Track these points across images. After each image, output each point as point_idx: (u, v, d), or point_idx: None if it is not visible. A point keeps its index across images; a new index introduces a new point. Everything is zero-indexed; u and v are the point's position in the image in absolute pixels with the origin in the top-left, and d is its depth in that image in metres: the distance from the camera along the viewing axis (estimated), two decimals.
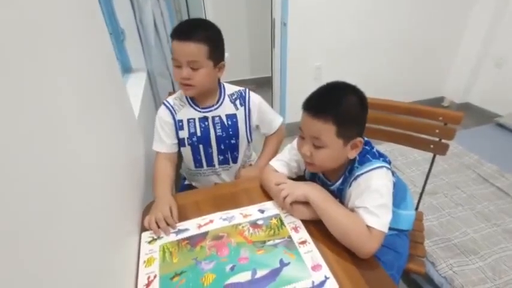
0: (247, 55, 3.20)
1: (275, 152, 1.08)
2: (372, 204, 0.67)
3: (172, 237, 0.72)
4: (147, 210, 0.82)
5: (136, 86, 1.33)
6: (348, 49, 2.29)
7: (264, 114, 1.02)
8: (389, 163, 0.76)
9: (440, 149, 1.02)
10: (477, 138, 2.01)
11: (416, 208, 1.13)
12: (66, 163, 0.42)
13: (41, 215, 0.33)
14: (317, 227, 0.71)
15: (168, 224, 0.74)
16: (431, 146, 1.04)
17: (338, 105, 0.67)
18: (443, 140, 1.01)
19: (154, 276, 0.62)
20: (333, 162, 0.74)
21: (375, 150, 0.76)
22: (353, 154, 0.72)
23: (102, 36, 0.78)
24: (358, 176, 0.72)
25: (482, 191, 1.52)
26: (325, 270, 0.62)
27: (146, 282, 0.61)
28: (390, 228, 0.86)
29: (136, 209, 0.80)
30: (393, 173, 0.77)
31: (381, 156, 0.75)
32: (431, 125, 1.02)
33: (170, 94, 1.02)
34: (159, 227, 0.73)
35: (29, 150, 0.33)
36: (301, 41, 2.12)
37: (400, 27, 2.34)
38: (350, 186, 0.74)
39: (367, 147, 0.76)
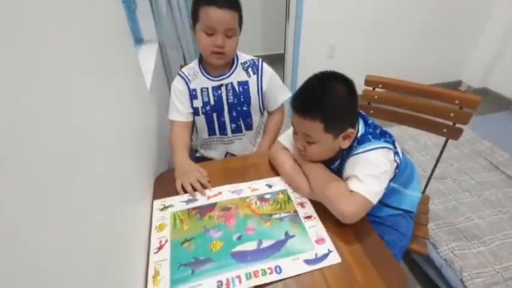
0: (259, 30, 3.10)
1: (277, 134, 1.09)
2: (361, 173, 0.67)
3: (183, 206, 0.74)
4: (160, 179, 0.85)
5: (148, 58, 1.32)
6: (364, 28, 2.19)
7: (274, 85, 1.02)
8: (393, 143, 0.75)
9: (454, 134, 1.00)
10: (492, 125, 1.96)
11: (423, 192, 1.14)
12: (83, 125, 0.44)
13: (57, 176, 0.34)
14: (323, 205, 0.73)
15: (202, 185, 0.78)
16: (445, 130, 1.02)
17: (323, 102, 0.66)
18: (457, 125, 0.99)
19: (166, 241, 0.65)
20: (326, 154, 0.75)
21: (378, 131, 0.75)
22: (346, 144, 0.72)
23: (116, 4, 0.77)
24: (356, 154, 0.72)
25: (491, 178, 1.51)
26: (329, 244, 0.64)
27: (158, 245, 0.64)
28: (395, 208, 0.88)
29: (149, 177, 0.82)
30: (397, 154, 0.76)
31: (382, 137, 0.74)
32: (446, 108, 1.00)
33: (182, 67, 1.02)
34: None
35: (47, 113, 0.34)
36: (317, 16, 2.04)
37: (420, 7, 2.22)
38: (346, 162, 0.75)
39: (370, 129, 0.75)
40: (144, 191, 0.76)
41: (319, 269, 0.59)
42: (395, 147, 0.75)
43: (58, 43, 0.40)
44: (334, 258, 0.61)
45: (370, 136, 0.72)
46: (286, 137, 0.89)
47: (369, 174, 0.67)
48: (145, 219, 0.70)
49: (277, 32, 2.94)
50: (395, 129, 1.79)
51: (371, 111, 1.16)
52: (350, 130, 0.69)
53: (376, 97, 1.16)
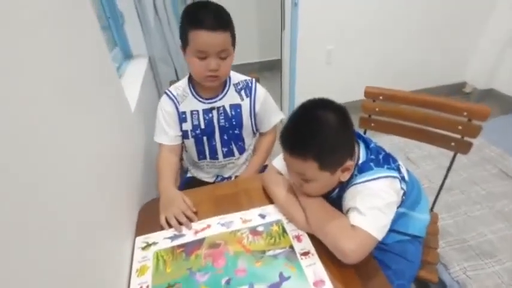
0: (255, 37, 3.05)
1: (268, 153, 1.04)
2: (363, 205, 0.60)
3: (167, 244, 0.68)
4: (145, 210, 0.79)
5: (136, 74, 1.26)
6: (362, 32, 2.13)
7: (267, 107, 0.97)
8: (398, 169, 0.68)
9: (463, 148, 0.93)
10: (501, 129, 1.87)
11: (432, 208, 1.06)
12: (54, 163, 0.38)
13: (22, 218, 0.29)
14: None
15: (188, 218, 0.72)
16: (453, 144, 0.95)
17: (314, 138, 0.59)
18: (466, 138, 0.92)
19: (147, 287, 0.59)
20: (325, 190, 0.68)
21: (381, 156, 0.68)
22: (346, 177, 0.65)
23: (90, 23, 0.71)
24: (357, 184, 0.65)
25: (503, 188, 1.42)
26: (329, 287, 0.57)
27: None
28: (401, 233, 0.80)
29: (133, 209, 0.76)
30: (403, 179, 0.69)
31: (386, 163, 0.67)
32: (453, 120, 0.92)
33: (172, 83, 0.96)
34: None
35: (16, 150, 0.30)
36: (313, 22, 1.99)
37: (420, 6, 2.15)
38: (346, 191, 0.67)
39: (372, 155, 0.68)
40: (126, 227, 0.69)
41: None
42: (400, 172, 0.68)
43: (24, 68, 0.35)
44: None
45: (372, 164, 0.65)
46: (280, 161, 0.82)
47: (372, 206, 0.60)
48: (125, 260, 0.64)
49: (273, 37, 2.89)
50: (398, 139, 1.71)
51: (372, 124, 1.10)
52: (349, 163, 0.62)
53: (377, 109, 1.09)
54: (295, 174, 0.65)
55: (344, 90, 1.95)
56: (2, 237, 0.27)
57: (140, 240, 0.69)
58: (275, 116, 0.99)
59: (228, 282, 0.59)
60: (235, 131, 0.94)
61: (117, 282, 0.58)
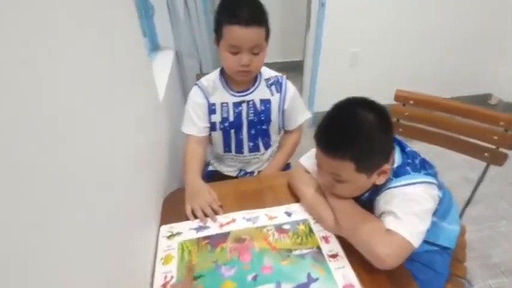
0: (278, 36, 3.03)
1: (292, 152, 1.03)
2: (400, 210, 0.58)
3: (192, 235, 0.67)
4: (170, 200, 0.79)
5: (163, 66, 1.27)
6: (389, 36, 2.08)
7: (295, 105, 0.95)
8: (435, 175, 0.66)
9: (497, 159, 0.89)
10: None
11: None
12: (94, 147, 0.39)
13: (49, 205, 0.29)
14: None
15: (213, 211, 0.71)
16: (486, 154, 0.91)
17: (353, 138, 0.57)
18: (501, 149, 0.88)
19: (171, 277, 0.58)
20: (358, 192, 0.66)
21: (417, 161, 0.66)
22: (382, 180, 0.62)
23: (130, 12, 0.71)
24: (392, 188, 0.62)
25: None
26: None
27: (163, 282, 0.57)
28: (430, 243, 0.77)
29: (158, 198, 0.76)
30: (439, 187, 0.66)
31: (423, 168, 0.64)
32: (488, 129, 0.89)
33: (198, 76, 0.96)
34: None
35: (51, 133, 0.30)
36: (340, 24, 1.95)
37: (449, 15, 2.09)
38: (379, 195, 0.65)
39: (408, 159, 0.65)
40: (151, 215, 0.69)
41: None
42: (437, 178, 0.66)
43: (62, 53, 0.35)
44: None
45: (408, 168, 0.63)
46: (308, 159, 0.80)
47: (409, 211, 0.57)
48: (151, 248, 0.64)
49: (295, 38, 2.86)
50: (418, 146, 1.66)
51: (400, 129, 1.07)
52: (386, 166, 0.60)
53: (406, 114, 1.06)
54: (327, 174, 0.63)
55: (367, 94, 1.92)
56: (40, 215, 0.26)
57: (165, 229, 0.69)
58: (302, 115, 0.98)
59: (254, 278, 0.57)
60: (263, 126, 0.93)
61: (142, 268, 0.57)
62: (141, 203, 0.64)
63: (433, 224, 0.75)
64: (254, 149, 0.96)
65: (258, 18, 0.77)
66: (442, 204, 0.75)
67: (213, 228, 0.69)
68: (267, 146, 0.98)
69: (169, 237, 0.67)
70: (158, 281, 0.58)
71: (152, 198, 0.72)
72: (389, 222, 0.58)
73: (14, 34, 0.26)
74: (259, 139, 0.95)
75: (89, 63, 0.43)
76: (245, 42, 0.76)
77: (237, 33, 0.75)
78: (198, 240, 0.66)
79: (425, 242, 0.76)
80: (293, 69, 2.94)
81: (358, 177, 0.59)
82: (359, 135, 0.56)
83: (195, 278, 0.58)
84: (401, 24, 2.06)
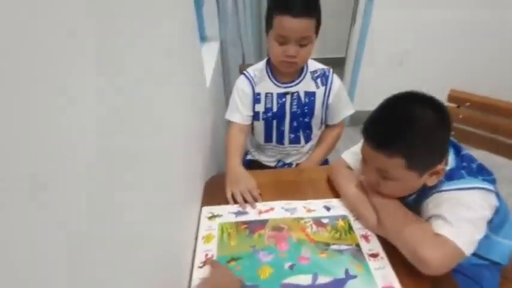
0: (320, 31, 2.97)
1: (333, 147, 1.01)
2: (452, 215, 0.54)
3: (231, 218, 0.69)
4: (210, 184, 0.82)
5: (209, 56, 1.31)
6: (443, 32, 1.92)
7: (340, 99, 0.93)
8: (494, 182, 0.61)
9: None
10: None
11: None
12: (142, 124, 0.41)
13: (109, 176, 0.30)
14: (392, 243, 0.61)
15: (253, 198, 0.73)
16: None
17: (407, 134, 0.53)
18: None
19: (212, 256, 0.61)
20: (404, 192, 0.63)
21: (475, 166, 0.61)
22: (434, 181, 0.58)
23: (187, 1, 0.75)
24: (443, 191, 0.59)
25: None
26: None
27: (204, 259, 0.60)
28: (479, 256, 0.72)
29: (200, 181, 0.79)
30: (498, 195, 0.61)
31: (480, 174, 0.60)
32: None
33: (241, 67, 0.97)
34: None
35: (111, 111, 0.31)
36: (388, 19, 1.86)
37: (510, 8, 1.88)
38: (428, 198, 0.61)
39: (464, 162, 0.61)
40: (195, 196, 0.72)
41: None
42: (495, 186, 0.61)
43: (126, 37, 0.37)
44: None
45: (463, 172, 0.59)
46: (351, 154, 0.78)
47: (463, 218, 0.54)
48: (193, 226, 0.67)
49: (338, 34, 2.78)
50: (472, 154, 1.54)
51: (452, 133, 0.99)
52: (440, 167, 0.57)
53: (460, 116, 0.99)
54: (374, 170, 0.61)
55: None
56: (103, 186, 0.28)
57: (206, 211, 0.72)
58: (346, 110, 0.95)
59: (291, 267, 0.58)
60: (305, 119, 0.92)
61: (185, 244, 0.60)
62: (186, 183, 0.67)
63: (485, 237, 0.70)
64: (295, 141, 0.96)
65: (309, 9, 0.76)
66: (498, 216, 0.69)
67: (252, 214, 0.70)
68: (307, 139, 0.97)
69: (210, 218, 0.70)
70: (199, 258, 0.60)
71: (196, 179, 0.75)
72: (439, 227, 0.54)
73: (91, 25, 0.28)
74: (301, 131, 0.95)
75: (150, 48, 0.46)
76: (293, 33, 0.76)
77: (286, 23, 0.74)
78: (237, 224, 0.68)
79: (474, 254, 0.71)
80: (334, 66, 2.86)
81: (408, 175, 0.56)
82: (414, 130, 0.53)
83: (234, 259, 0.60)
84: (457, 19, 1.89)
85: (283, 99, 0.90)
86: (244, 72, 0.92)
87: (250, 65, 0.96)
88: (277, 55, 0.80)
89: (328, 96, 0.91)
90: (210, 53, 1.34)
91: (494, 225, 0.70)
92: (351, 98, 2.17)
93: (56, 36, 0.22)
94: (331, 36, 2.95)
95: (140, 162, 0.39)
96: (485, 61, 2.06)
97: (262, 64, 0.92)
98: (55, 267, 0.21)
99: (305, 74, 0.89)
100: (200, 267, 0.59)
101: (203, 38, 1.47)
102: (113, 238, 0.30)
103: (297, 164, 1.02)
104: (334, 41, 2.91)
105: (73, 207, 0.23)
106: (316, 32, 0.81)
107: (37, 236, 0.19)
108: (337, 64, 2.45)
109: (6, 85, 0.17)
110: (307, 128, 0.95)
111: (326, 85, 0.90)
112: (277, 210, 0.71)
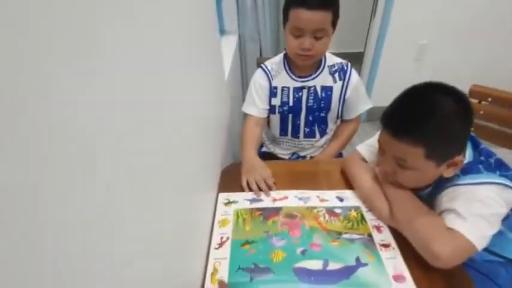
0: (338, 25, 2.92)
1: (348, 141, 1.01)
2: (466, 209, 0.54)
3: (246, 204, 0.72)
4: (227, 172, 0.85)
5: (227, 49, 1.33)
6: (463, 27, 1.85)
7: (357, 94, 0.93)
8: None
9: None
10: None
11: None
12: (166, 114, 0.43)
13: (131, 165, 0.32)
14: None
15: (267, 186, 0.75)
16: None
17: (428, 122, 0.53)
18: None
19: (227, 238, 0.64)
20: (422, 183, 0.63)
21: (493, 160, 0.60)
22: (450, 173, 0.58)
23: None
24: (459, 185, 0.58)
25: None
26: (410, 285, 0.54)
27: (219, 241, 0.63)
28: (494, 253, 0.71)
29: (217, 169, 0.82)
30: None
31: (498, 169, 0.59)
32: None
33: (259, 60, 0.99)
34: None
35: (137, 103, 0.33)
36: (409, 13, 1.81)
37: None
38: (443, 191, 0.61)
39: (481, 156, 0.61)
40: (212, 182, 0.75)
41: None
42: None
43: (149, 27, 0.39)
44: None
45: (481, 166, 0.58)
46: (366, 147, 0.79)
47: (476, 213, 0.54)
48: (210, 211, 0.70)
49: (356, 28, 2.73)
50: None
51: (472, 129, 0.97)
52: (458, 158, 0.57)
53: (481, 112, 0.97)
54: (391, 159, 0.61)
55: None
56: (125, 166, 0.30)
57: (223, 197, 0.75)
58: (363, 104, 0.95)
59: (303, 252, 0.60)
60: (321, 114, 0.93)
61: (203, 226, 0.64)
62: (205, 170, 0.70)
63: (500, 234, 0.69)
64: (310, 135, 0.97)
65: (325, 2, 0.76)
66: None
67: (266, 201, 0.73)
68: (322, 133, 0.98)
69: (226, 204, 0.73)
70: (215, 240, 0.64)
71: (214, 167, 0.78)
72: (452, 221, 0.55)
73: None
74: (316, 126, 0.96)
75: (171, 39, 0.48)
76: (308, 25, 0.76)
77: (301, 15, 0.75)
78: (252, 210, 0.70)
79: (488, 251, 0.71)
80: (351, 61, 2.81)
81: (426, 165, 0.57)
82: (435, 119, 0.54)
83: (248, 242, 0.62)
84: (476, 14, 1.81)
85: (300, 94, 0.91)
86: (262, 65, 0.94)
87: (268, 58, 0.97)
88: (292, 48, 0.81)
89: (346, 90, 0.91)
90: (228, 47, 1.37)
91: (510, 223, 0.69)
92: (368, 93, 2.12)
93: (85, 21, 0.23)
94: (350, 31, 2.91)
95: (168, 151, 0.42)
96: (506, 57, 1.97)
97: (279, 58, 0.93)
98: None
99: (322, 68, 0.90)
100: (216, 248, 0.62)
101: (221, 32, 1.49)
102: (146, 216, 0.34)
103: (311, 157, 1.03)
104: (353, 35, 2.87)
105: (110, 190, 0.26)
106: (334, 25, 0.81)
107: (70, 215, 0.21)
108: (356, 59, 2.41)
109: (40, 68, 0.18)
110: (323, 122, 0.96)
111: (344, 79, 0.90)
112: (291, 198, 0.73)
